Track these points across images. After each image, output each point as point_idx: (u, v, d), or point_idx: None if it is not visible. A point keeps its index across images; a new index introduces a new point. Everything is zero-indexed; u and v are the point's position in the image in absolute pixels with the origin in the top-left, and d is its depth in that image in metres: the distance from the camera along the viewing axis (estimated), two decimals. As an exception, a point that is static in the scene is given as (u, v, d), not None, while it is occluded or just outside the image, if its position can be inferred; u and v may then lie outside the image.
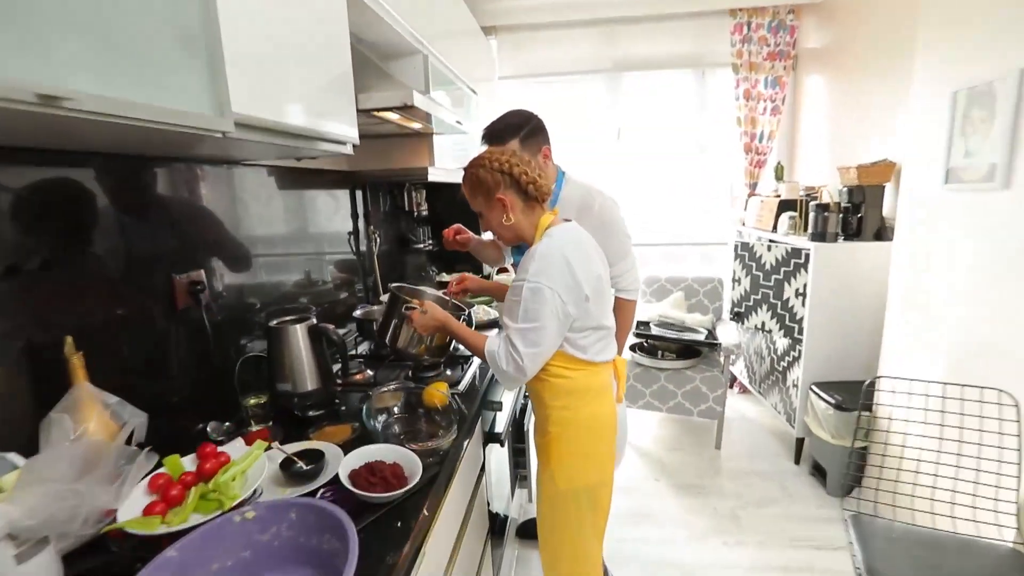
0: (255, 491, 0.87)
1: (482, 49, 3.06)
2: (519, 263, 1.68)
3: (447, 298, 1.63)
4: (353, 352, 1.88)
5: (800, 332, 2.56)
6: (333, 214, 2.04)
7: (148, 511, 0.81)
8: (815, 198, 2.90)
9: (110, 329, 1.03)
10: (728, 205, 3.54)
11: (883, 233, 2.42)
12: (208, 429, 1.22)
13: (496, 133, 1.59)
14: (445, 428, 1.24)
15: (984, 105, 1.62)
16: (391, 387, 1.36)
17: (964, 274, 1.74)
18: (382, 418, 1.28)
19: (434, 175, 2.10)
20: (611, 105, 3.49)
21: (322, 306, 1.90)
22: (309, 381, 1.34)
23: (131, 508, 0.82)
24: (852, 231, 2.46)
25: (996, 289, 1.61)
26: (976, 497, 1.64)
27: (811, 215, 2.50)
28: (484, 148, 1.74)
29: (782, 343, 2.77)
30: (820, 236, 2.45)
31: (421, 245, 2.70)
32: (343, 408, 1.40)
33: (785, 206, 2.90)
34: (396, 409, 1.33)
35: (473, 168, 1.25)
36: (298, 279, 1.77)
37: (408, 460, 1.02)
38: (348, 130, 1.24)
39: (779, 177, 3.19)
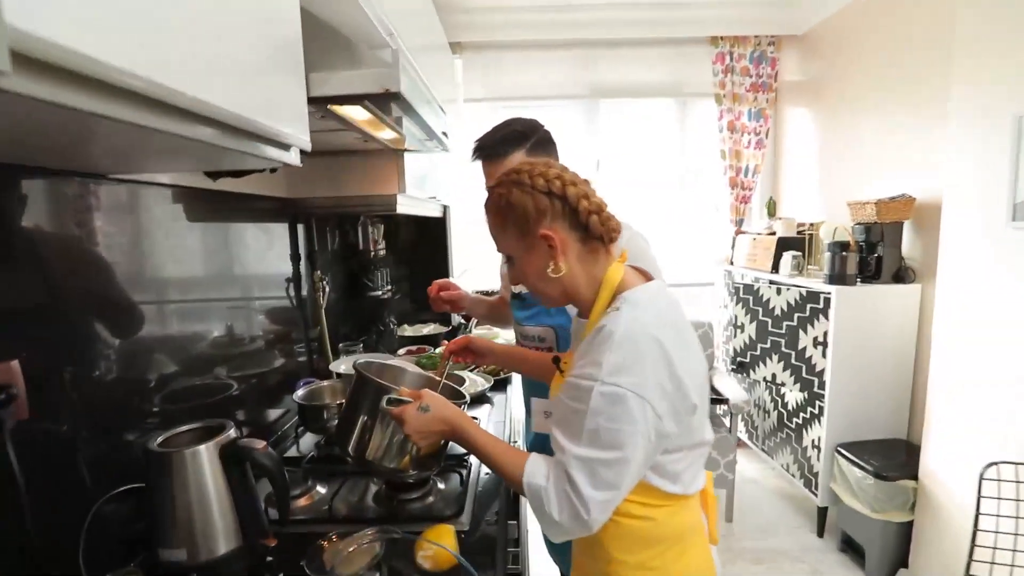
0: None
1: (447, 66, 2.67)
2: (563, 330, 1.22)
3: (437, 379, 1.13)
4: (292, 455, 1.32)
5: (821, 386, 2.26)
6: (265, 250, 1.50)
7: None
8: (811, 235, 2.70)
9: None
10: (713, 243, 3.29)
11: (903, 275, 2.20)
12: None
13: (493, 145, 1.21)
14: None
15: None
16: (363, 541, 0.84)
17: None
18: (350, 604, 0.76)
19: (405, 206, 1.63)
20: (589, 134, 3.19)
21: (248, 381, 1.34)
22: (221, 541, 0.79)
23: None
24: (870, 272, 2.23)
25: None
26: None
27: (826, 255, 2.25)
28: (479, 166, 1.33)
29: (795, 397, 2.46)
30: (839, 278, 2.19)
31: (379, 292, 2.18)
32: (279, 577, 0.85)
33: (784, 244, 2.66)
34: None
35: (504, 187, 0.81)
36: (217, 336, 1.22)
37: None
38: (293, 127, 0.76)
39: (771, 213, 2.99)
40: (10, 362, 0.70)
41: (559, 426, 0.75)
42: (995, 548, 1.59)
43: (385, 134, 1.22)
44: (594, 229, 0.79)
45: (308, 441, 1.38)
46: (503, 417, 1.54)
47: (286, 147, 0.78)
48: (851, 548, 2.23)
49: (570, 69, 3.08)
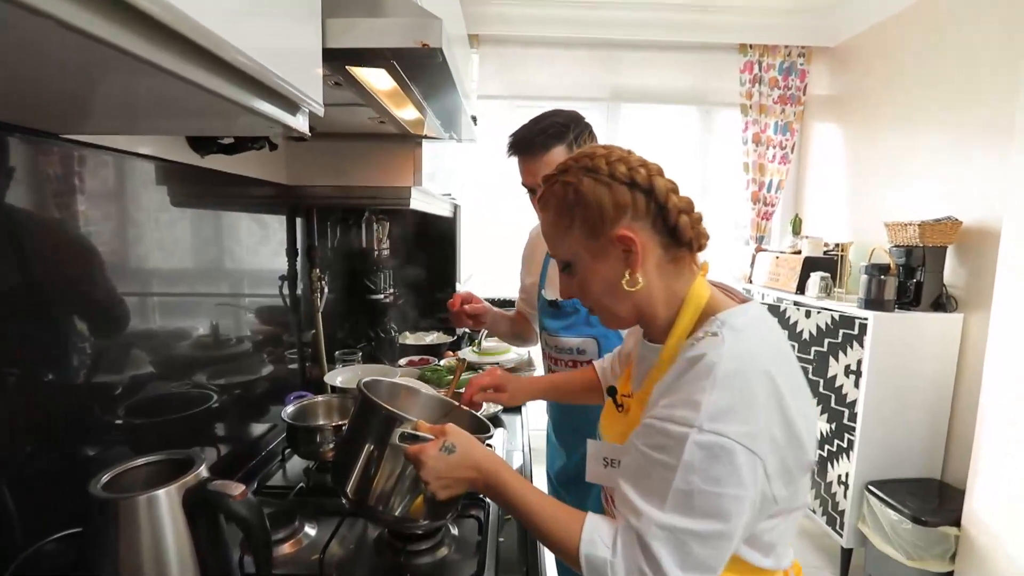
0: None
1: (465, 59, 2.52)
2: (606, 339, 1.08)
3: (455, 403, 0.96)
4: (277, 484, 1.13)
5: (851, 418, 2.11)
6: (259, 243, 1.33)
7: None
8: (840, 256, 2.55)
9: None
10: (730, 259, 3.15)
11: (944, 303, 2.06)
12: None
13: (532, 138, 1.08)
14: None
15: None
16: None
17: None
18: None
19: (419, 201, 1.46)
20: (607, 139, 3.03)
21: (231, 391, 1.15)
22: (179, 614, 0.60)
23: None
24: (909, 299, 2.08)
25: None
26: None
27: (863, 278, 2.10)
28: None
29: (822, 428, 2.30)
30: (877, 304, 2.04)
31: (380, 295, 2.00)
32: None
33: (811, 264, 2.52)
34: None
35: (573, 175, 0.65)
36: (199, 337, 1.04)
37: None
38: (303, 84, 0.58)
39: (796, 231, 2.85)
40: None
41: (632, 481, 0.58)
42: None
43: (406, 112, 1.04)
44: (683, 233, 0.63)
45: (297, 466, 1.19)
46: (518, 444, 1.36)
47: (293, 108, 0.61)
48: (879, 596, 2.06)
49: (591, 70, 2.93)
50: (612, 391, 0.75)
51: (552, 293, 1.21)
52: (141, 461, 0.67)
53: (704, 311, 0.63)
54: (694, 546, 0.53)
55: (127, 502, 0.59)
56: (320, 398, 1.24)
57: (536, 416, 1.76)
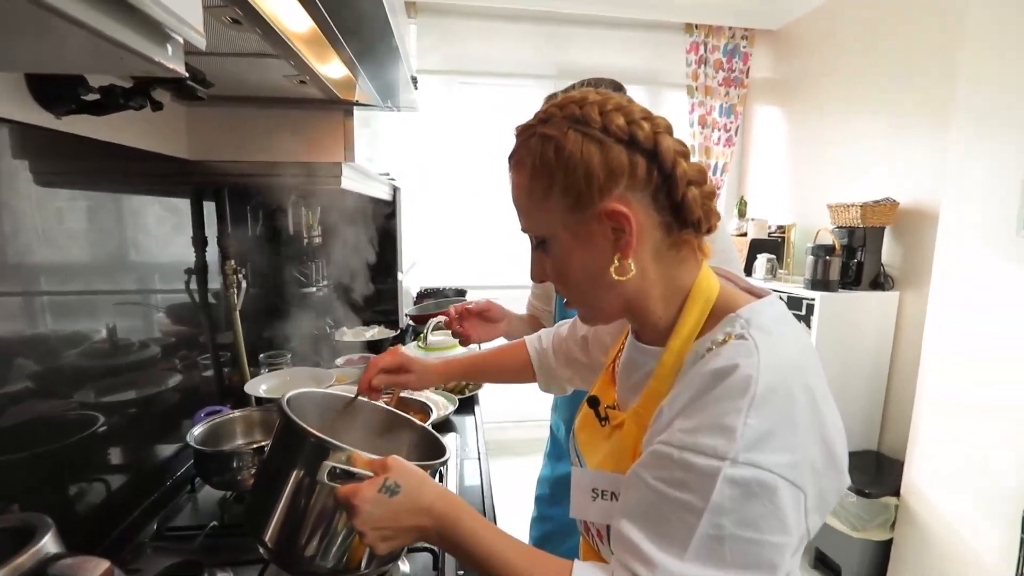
0: None
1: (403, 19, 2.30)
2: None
3: (409, 418, 0.81)
4: (183, 525, 0.93)
5: (799, 397, 2.14)
6: (155, 230, 1.10)
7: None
8: (782, 238, 2.60)
9: None
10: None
11: (882, 282, 2.13)
12: None
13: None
14: None
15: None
16: None
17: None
18: None
19: (351, 180, 1.27)
20: (554, 119, 2.92)
21: (124, 410, 0.94)
22: None
23: None
24: (851, 279, 2.14)
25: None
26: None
27: (809, 259, 2.13)
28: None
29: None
30: (823, 284, 2.08)
31: (313, 289, 1.79)
32: None
33: (756, 247, 2.55)
34: None
35: (554, 127, 0.51)
36: (85, 347, 0.83)
37: None
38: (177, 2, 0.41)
39: (742, 214, 2.87)
40: None
41: (640, 523, 0.46)
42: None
43: (332, 69, 0.86)
44: (690, 210, 0.51)
45: (210, 498, 1.00)
46: (472, 452, 1.23)
47: (161, 35, 0.43)
48: (825, 565, 2.13)
49: (538, 46, 2.80)
50: (594, 401, 0.63)
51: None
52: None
53: (715, 308, 0.52)
54: None
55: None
56: (237, 413, 1.04)
57: (494, 411, 1.63)
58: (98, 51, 0.43)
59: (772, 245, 2.52)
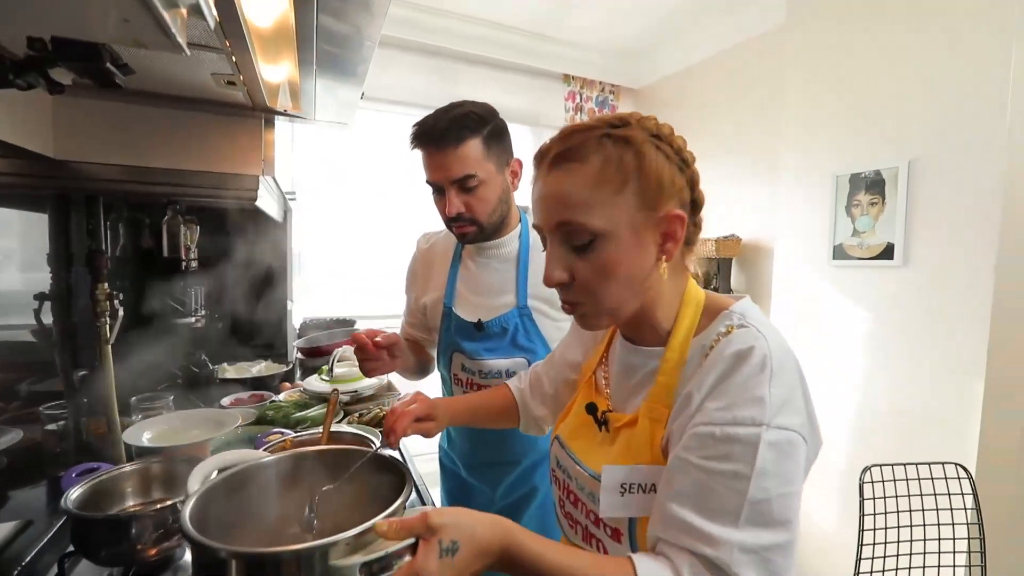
0: None
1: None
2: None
3: (365, 447, 0.75)
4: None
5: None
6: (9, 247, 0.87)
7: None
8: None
9: None
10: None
11: (732, 304, 2.53)
12: None
13: (443, 129, 0.93)
14: None
15: (873, 189, 1.74)
16: None
17: (862, 347, 1.81)
18: None
19: (264, 199, 1.16)
20: (446, 149, 2.97)
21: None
22: None
23: None
24: (709, 301, 2.50)
25: (903, 359, 1.68)
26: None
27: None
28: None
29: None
30: (690, 306, 2.40)
31: (191, 319, 1.54)
32: None
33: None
34: None
35: (634, 132, 0.56)
36: None
37: None
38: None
39: (616, 246, 3.19)
40: None
41: (691, 504, 0.49)
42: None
43: (276, 69, 0.79)
44: (698, 229, 0.60)
45: (89, 578, 0.79)
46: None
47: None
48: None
49: (431, 78, 2.84)
50: (592, 407, 0.65)
51: (468, 312, 1.04)
52: None
53: (706, 308, 0.60)
54: (778, 562, 0.47)
55: None
56: (126, 468, 0.85)
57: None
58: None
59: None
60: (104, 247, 1.17)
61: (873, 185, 1.75)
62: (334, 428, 1.12)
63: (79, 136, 0.96)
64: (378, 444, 1.03)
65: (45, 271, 0.96)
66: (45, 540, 0.85)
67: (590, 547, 0.64)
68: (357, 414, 1.41)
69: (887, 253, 1.71)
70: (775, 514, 0.47)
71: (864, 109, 1.78)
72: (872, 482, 1.43)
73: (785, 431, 0.49)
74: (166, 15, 0.36)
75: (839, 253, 1.87)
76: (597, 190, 0.55)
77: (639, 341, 0.64)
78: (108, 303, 1.05)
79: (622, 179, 0.55)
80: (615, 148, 0.55)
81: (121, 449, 1.01)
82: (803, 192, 1.99)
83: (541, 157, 0.59)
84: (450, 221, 0.98)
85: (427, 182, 0.98)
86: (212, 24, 0.62)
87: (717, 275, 2.49)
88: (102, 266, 1.02)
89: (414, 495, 1.05)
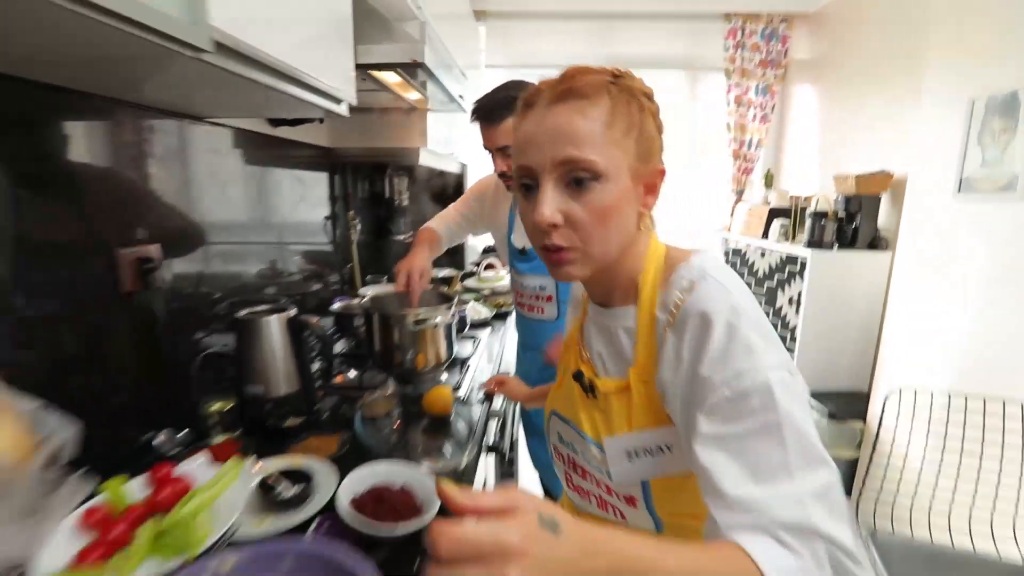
0: (229, 528, 0.66)
1: (471, 33, 2.89)
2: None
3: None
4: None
5: (792, 340, 2.52)
6: (299, 201, 1.80)
7: (82, 559, 0.59)
8: (805, 207, 2.89)
9: (29, 313, 0.79)
10: (716, 211, 3.50)
11: (877, 243, 2.41)
12: (157, 442, 0.98)
13: (490, 108, 1.20)
14: (453, 441, 1.05)
15: (1007, 114, 1.58)
16: (384, 392, 1.16)
17: (975, 285, 1.71)
18: (375, 428, 1.08)
19: (426, 158, 1.91)
20: (601, 103, 3.37)
21: (292, 297, 1.67)
22: (285, 384, 1.12)
23: (56, 555, 0.60)
24: (847, 240, 2.44)
25: (1013, 299, 1.58)
26: (991, 512, 1.59)
27: (807, 222, 2.46)
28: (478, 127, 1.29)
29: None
30: (817, 244, 2.41)
31: (402, 236, 2.49)
32: (325, 416, 1.18)
33: (775, 214, 2.87)
34: (392, 417, 1.13)
35: (640, 87, 0.59)
36: (261, 268, 1.53)
37: (420, 483, 0.83)
38: (344, 85, 1.04)
39: (768, 185, 3.17)
40: (152, 245, 1.02)
41: (742, 482, 0.45)
42: (937, 475, 1.85)
43: (412, 95, 1.49)
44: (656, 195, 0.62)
45: (340, 346, 1.71)
46: (499, 349, 1.83)
47: (338, 100, 1.07)
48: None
49: (587, 40, 3.26)
50: (580, 375, 0.66)
51: (520, 240, 1.38)
52: (260, 308, 1.18)
53: (666, 260, 0.61)
54: (836, 497, 0.45)
55: (258, 320, 1.09)
56: (355, 301, 1.75)
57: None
58: (315, 110, 1.07)
59: (787, 212, 2.83)
60: (354, 191, 2.13)
61: (1008, 110, 1.58)
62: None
63: (339, 135, 1.86)
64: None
65: (326, 206, 1.92)
66: (333, 330, 1.83)
67: (607, 514, 0.66)
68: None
69: (1010, 186, 1.57)
70: (814, 450, 0.45)
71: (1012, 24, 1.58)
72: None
73: (781, 371, 0.48)
74: (335, 108, 1.06)
75: (966, 186, 1.74)
76: (609, 130, 0.54)
77: (609, 303, 0.65)
78: (353, 222, 1.98)
79: (628, 124, 0.55)
80: (623, 96, 0.56)
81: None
82: (937, 119, 1.85)
83: (536, 95, 0.57)
84: (501, 175, 1.35)
85: (484, 147, 1.28)
86: (374, 84, 1.35)
87: (859, 213, 2.39)
88: (350, 202, 1.95)
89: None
